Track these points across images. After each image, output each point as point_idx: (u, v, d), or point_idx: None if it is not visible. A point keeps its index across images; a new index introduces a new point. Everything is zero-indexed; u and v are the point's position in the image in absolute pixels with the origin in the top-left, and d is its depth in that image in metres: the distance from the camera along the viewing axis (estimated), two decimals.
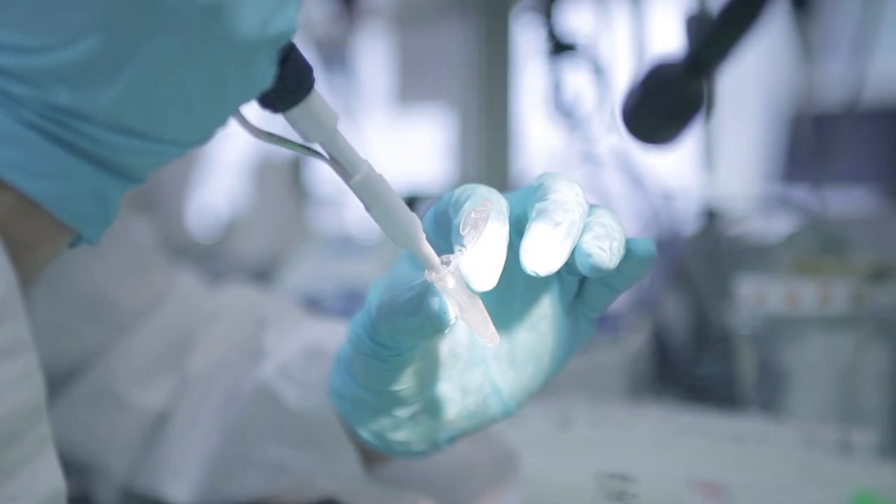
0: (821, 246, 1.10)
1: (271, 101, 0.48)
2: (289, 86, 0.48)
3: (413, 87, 3.88)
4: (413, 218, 0.52)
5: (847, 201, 1.80)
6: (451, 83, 2.00)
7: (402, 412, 0.57)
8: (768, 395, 1.00)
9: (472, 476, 0.70)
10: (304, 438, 0.66)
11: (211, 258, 2.09)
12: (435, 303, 0.50)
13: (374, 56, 3.18)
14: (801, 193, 1.37)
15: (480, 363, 0.58)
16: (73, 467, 0.73)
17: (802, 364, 0.98)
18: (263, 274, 1.65)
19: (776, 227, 1.45)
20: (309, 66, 0.48)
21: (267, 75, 0.46)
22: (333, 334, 0.68)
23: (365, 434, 0.59)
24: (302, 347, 0.68)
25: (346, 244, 1.43)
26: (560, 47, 1.22)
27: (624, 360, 1.13)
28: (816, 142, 1.15)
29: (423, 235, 0.52)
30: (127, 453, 0.73)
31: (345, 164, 0.50)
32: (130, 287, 0.75)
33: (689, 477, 0.74)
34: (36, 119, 0.44)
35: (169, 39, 0.43)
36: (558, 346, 0.57)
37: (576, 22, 1.24)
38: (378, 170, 0.51)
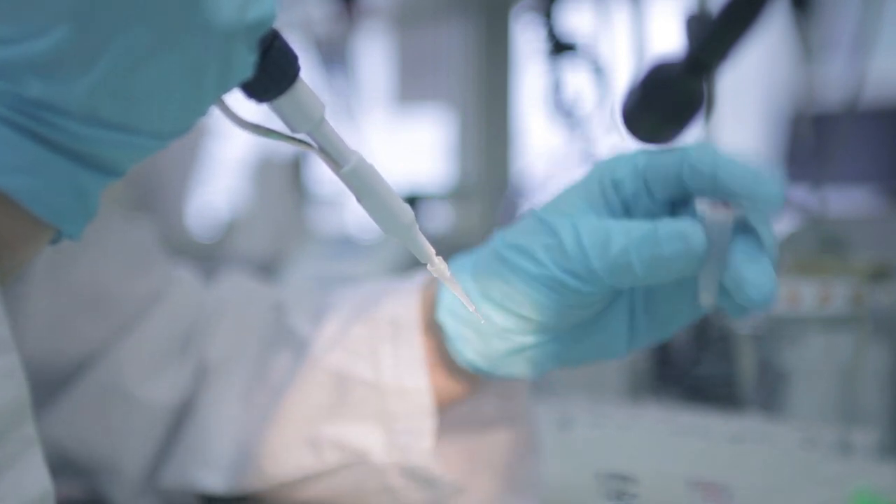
0: (821, 246, 1.10)
1: (256, 91, 0.47)
2: (273, 75, 0.46)
3: (413, 87, 3.88)
4: (405, 208, 0.51)
5: (847, 201, 1.80)
6: (451, 83, 2.00)
7: (532, 340, 0.60)
8: (768, 395, 1.00)
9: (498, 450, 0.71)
10: (370, 413, 0.66)
11: (211, 258, 2.09)
12: (700, 238, 0.53)
13: (374, 56, 3.18)
14: (801, 193, 1.37)
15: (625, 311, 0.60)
16: (83, 468, 0.72)
17: (802, 364, 0.98)
18: (263, 274, 1.65)
19: (776, 227, 1.44)
20: (293, 55, 0.47)
21: (247, 64, 0.45)
22: (382, 296, 0.69)
23: (471, 355, 0.62)
24: (356, 319, 0.68)
25: (346, 244, 1.43)
26: (560, 47, 1.22)
27: (624, 360, 1.13)
28: (816, 142, 1.15)
29: (417, 226, 0.52)
30: (142, 450, 0.72)
31: (333, 155, 0.49)
32: (131, 281, 0.74)
33: (689, 477, 0.74)
34: (8, 113, 0.43)
35: (143, 28, 0.41)
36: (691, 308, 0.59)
37: (576, 22, 1.24)
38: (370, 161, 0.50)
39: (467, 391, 0.67)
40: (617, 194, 0.58)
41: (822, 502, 0.72)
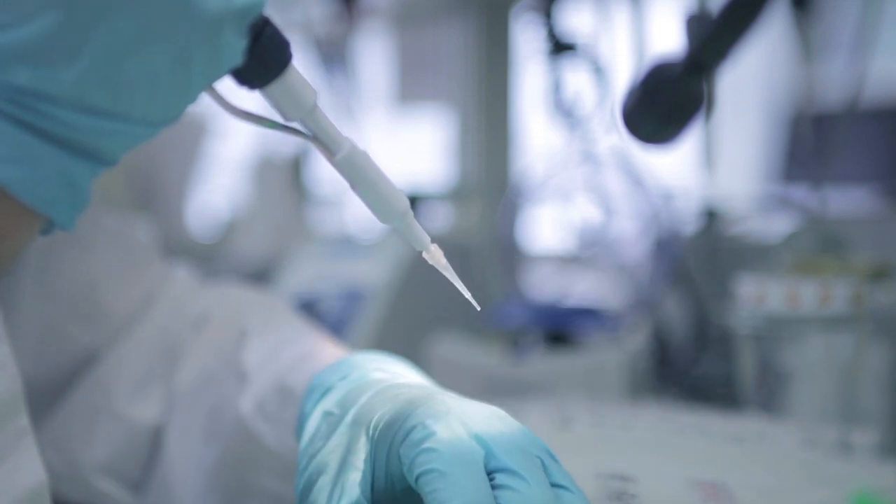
0: (821, 246, 1.10)
1: (247, 77, 0.47)
2: (264, 61, 0.46)
3: (413, 87, 3.88)
4: (400, 195, 0.51)
5: (847, 201, 1.80)
6: (451, 83, 2.00)
7: None
8: (768, 395, 1.00)
9: None
10: (291, 473, 0.65)
11: (211, 258, 2.09)
12: None
13: (374, 56, 3.18)
14: (801, 193, 1.37)
15: None
16: (70, 495, 0.71)
17: (802, 364, 0.98)
18: (263, 274, 1.65)
19: (776, 227, 1.45)
20: (285, 41, 0.47)
21: (236, 50, 0.45)
22: (305, 361, 0.66)
23: None
24: (275, 383, 0.66)
25: (346, 244, 1.43)
26: (560, 47, 1.22)
27: (624, 360, 1.13)
28: (816, 142, 1.15)
29: (412, 213, 0.51)
30: (128, 475, 0.71)
31: (326, 142, 0.49)
32: (121, 286, 0.73)
33: (689, 477, 0.74)
34: None
35: (131, 14, 0.41)
36: None
37: (576, 22, 1.24)
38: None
39: None
40: None
41: (822, 502, 0.72)
